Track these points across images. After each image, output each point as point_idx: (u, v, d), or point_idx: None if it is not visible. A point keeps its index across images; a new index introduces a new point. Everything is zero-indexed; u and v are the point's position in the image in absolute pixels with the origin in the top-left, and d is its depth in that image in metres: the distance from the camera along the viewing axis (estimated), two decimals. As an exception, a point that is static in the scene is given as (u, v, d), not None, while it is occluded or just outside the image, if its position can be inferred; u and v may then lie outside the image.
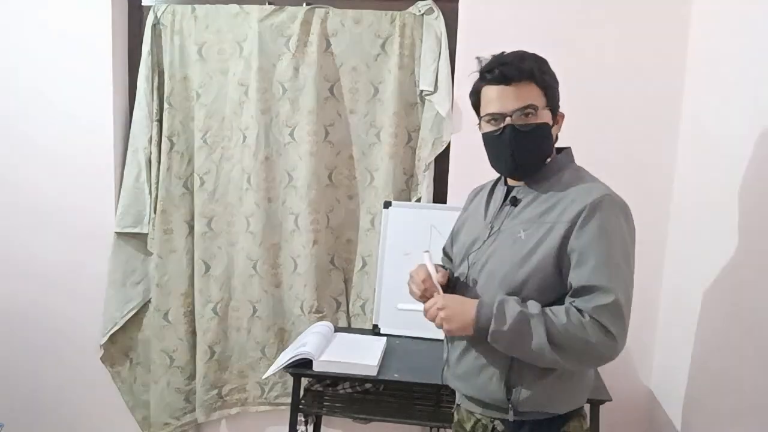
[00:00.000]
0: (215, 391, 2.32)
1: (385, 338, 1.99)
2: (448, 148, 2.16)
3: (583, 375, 1.31)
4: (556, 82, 1.31)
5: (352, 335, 2.04)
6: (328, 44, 2.19)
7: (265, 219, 2.23)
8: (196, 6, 2.24)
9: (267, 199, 2.24)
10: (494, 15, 2.08)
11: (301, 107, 2.20)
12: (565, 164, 1.32)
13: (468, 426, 1.36)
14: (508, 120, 1.24)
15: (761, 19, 1.55)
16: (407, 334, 2.07)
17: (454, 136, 2.14)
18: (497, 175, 1.41)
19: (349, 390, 1.95)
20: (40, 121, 2.32)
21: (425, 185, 2.19)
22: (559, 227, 1.21)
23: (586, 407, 1.40)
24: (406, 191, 2.24)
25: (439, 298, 1.28)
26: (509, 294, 1.22)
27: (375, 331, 2.10)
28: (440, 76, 2.12)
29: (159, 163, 2.27)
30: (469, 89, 1.35)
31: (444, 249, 1.59)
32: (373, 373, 1.76)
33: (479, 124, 1.31)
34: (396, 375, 1.77)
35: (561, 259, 1.21)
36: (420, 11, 2.16)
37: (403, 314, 2.05)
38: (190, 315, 2.33)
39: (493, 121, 1.27)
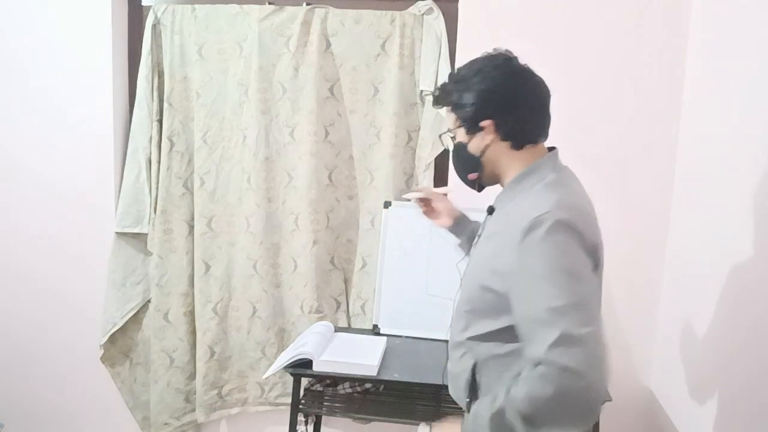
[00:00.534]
0: (215, 391, 2.32)
1: (385, 338, 2.00)
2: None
3: None
4: (479, 92, 1.19)
5: (352, 335, 2.04)
6: (328, 44, 2.19)
7: (265, 219, 2.23)
8: (196, 6, 2.24)
9: (267, 199, 2.24)
10: (494, 15, 2.09)
11: (301, 107, 2.20)
12: (534, 170, 1.19)
13: None
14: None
15: (761, 18, 1.55)
16: (407, 334, 2.07)
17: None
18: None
19: (349, 390, 1.95)
20: (39, 122, 2.32)
21: (425, 185, 2.19)
22: (498, 251, 1.12)
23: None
24: (406, 191, 2.24)
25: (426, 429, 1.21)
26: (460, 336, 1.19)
27: (375, 331, 2.10)
28: (440, 76, 2.12)
29: (159, 163, 2.27)
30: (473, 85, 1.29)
31: None
32: (373, 373, 1.76)
33: None
34: (396, 375, 1.77)
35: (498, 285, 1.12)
36: (420, 11, 2.16)
37: (404, 314, 2.07)
38: (190, 315, 2.33)
39: None
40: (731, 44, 1.72)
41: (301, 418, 1.89)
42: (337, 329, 2.11)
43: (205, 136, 2.26)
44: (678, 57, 2.02)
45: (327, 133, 2.23)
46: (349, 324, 2.31)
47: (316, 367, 1.77)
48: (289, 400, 1.93)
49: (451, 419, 1.21)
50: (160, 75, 2.27)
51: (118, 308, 2.33)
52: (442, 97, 1.26)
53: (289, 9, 2.18)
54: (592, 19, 2.05)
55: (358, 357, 1.80)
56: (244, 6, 2.21)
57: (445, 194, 1.64)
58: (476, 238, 1.33)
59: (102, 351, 2.35)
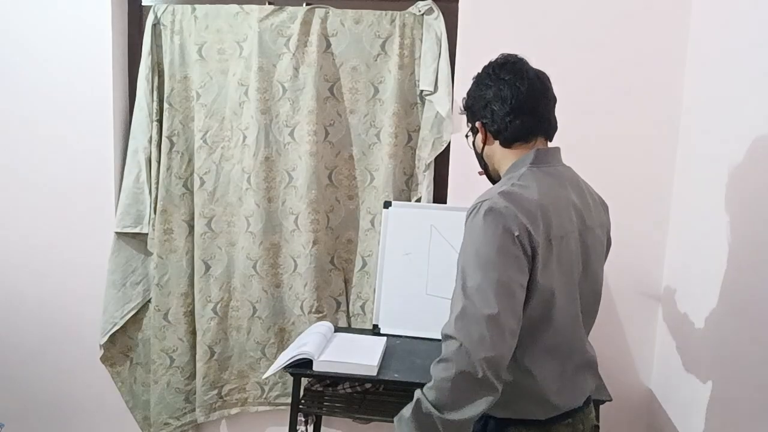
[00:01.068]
0: (215, 391, 2.32)
1: (385, 338, 1.99)
2: (448, 148, 2.17)
3: (518, 384, 1.21)
4: (471, 97, 1.34)
5: (352, 335, 2.04)
6: (328, 44, 2.19)
7: (265, 219, 2.23)
8: (196, 6, 2.24)
9: (267, 199, 2.24)
10: (494, 15, 2.09)
11: (301, 107, 2.20)
12: (515, 166, 1.28)
13: None
14: None
15: (761, 17, 1.55)
16: (407, 334, 2.07)
17: (454, 136, 2.15)
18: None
19: (349, 390, 1.95)
20: (40, 121, 2.32)
21: (425, 185, 2.19)
22: None
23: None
24: (406, 191, 2.24)
25: None
26: None
27: (375, 331, 2.10)
28: (440, 76, 2.12)
29: (159, 163, 2.27)
30: (469, 89, 1.39)
31: None
32: (373, 373, 1.76)
33: None
34: (396, 375, 1.77)
35: None
36: (420, 11, 2.16)
37: (404, 314, 2.07)
38: (190, 315, 2.33)
39: None
40: (731, 44, 1.72)
41: (301, 418, 1.89)
42: (337, 329, 2.11)
43: (205, 136, 2.26)
44: (678, 57, 2.02)
45: (327, 133, 2.23)
46: (349, 324, 2.31)
47: (316, 367, 1.77)
48: (289, 400, 1.93)
49: None
50: (160, 75, 2.27)
51: (118, 308, 2.33)
52: (462, 104, 1.40)
53: (289, 9, 2.18)
54: (592, 18, 2.05)
55: (358, 357, 1.80)
56: (244, 6, 2.21)
57: None
58: None
59: (102, 351, 2.35)
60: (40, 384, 2.46)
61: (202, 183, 2.27)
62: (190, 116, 2.28)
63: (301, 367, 1.79)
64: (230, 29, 2.22)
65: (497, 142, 1.31)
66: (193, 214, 2.30)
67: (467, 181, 2.11)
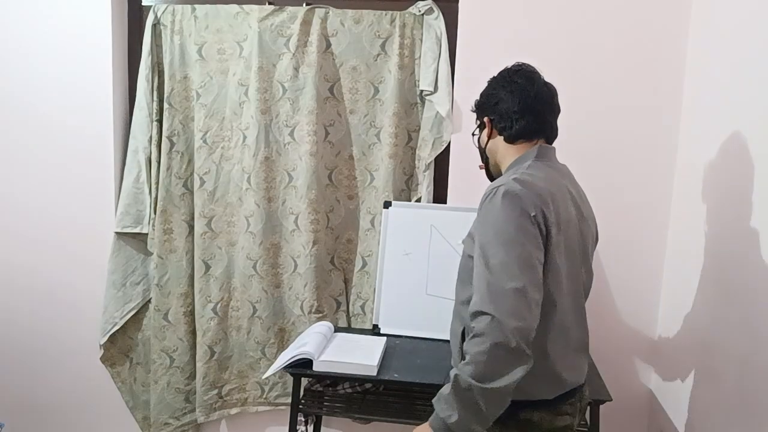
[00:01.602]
0: (215, 391, 2.32)
1: (385, 338, 1.99)
2: (448, 148, 2.17)
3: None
4: (483, 95, 1.46)
5: (352, 335, 2.04)
6: (328, 44, 2.19)
7: (265, 219, 2.23)
8: (196, 6, 2.24)
9: (267, 199, 2.24)
10: (494, 15, 2.09)
11: (301, 107, 2.20)
12: (518, 161, 1.38)
13: None
14: None
15: (762, 17, 1.55)
16: (407, 334, 2.07)
17: (454, 136, 2.15)
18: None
19: (349, 390, 1.95)
20: (39, 122, 2.32)
21: (425, 185, 2.19)
22: (474, 221, 1.31)
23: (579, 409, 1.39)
24: (406, 191, 2.24)
25: None
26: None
27: (375, 331, 2.10)
28: (440, 76, 2.12)
29: (159, 163, 2.27)
30: (469, 89, 1.51)
31: None
32: (373, 373, 1.75)
33: None
34: (396, 375, 1.77)
35: None
36: (420, 11, 2.16)
37: (404, 314, 2.07)
38: (190, 315, 2.33)
39: None
40: (731, 44, 1.72)
41: (301, 418, 1.89)
42: (337, 329, 2.11)
43: (205, 136, 2.26)
44: (678, 56, 2.02)
45: (327, 133, 2.23)
46: (349, 324, 2.31)
47: (316, 367, 1.77)
48: (289, 400, 1.93)
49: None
50: (160, 75, 2.27)
51: (118, 308, 2.33)
52: (475, 103, 1.51)
53: (289, 9, 2.18)
54: (592, 18, 2.05)
55: (358, 357, 1.80)
56: (244, 6, 2.21)
57: None
58: None
59: (102, 351, 2.35)
60: (40, 384, 2.46)
61: (202, 183, 2.27)
62: (190, 116, 2.28)
63: (301, 367, 1.79)
64: (230, 29, 2.22)
65: (501, 138, 1.41)
66: (193, 214, 2.30)
67: (467, 181, 2.11)
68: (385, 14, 2.17)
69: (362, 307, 2.28)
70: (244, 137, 2.23)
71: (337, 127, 2.24)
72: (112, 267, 2.31)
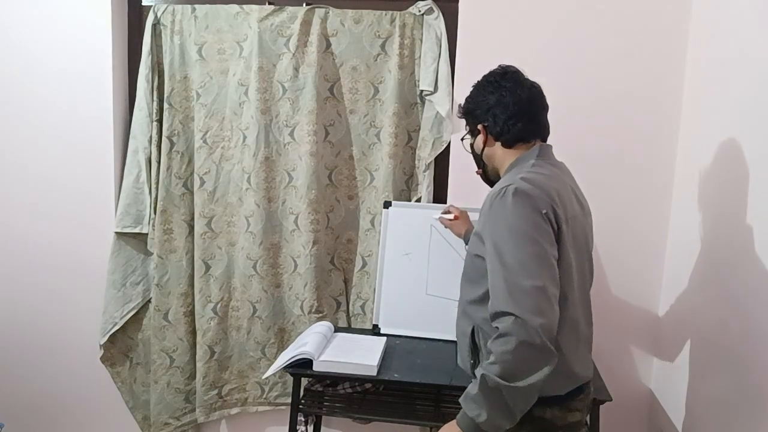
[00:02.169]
0: (215, 391, 2.32)
1: (385, 338, 1.99)
2: (448, 148, 2.17)
3: None
4: (474, 102, 1.45)
5: (352, 335, 2.04)
6: (328, 44, 2.19)
7: (265, 219, 2.23)
8: (196, 6, 2.24)
9: (267, 199, 2.24)
10: (494, 15, 2.09)
11: (301, 107, 2.20)
12: (519, 161, 1.39)
13: None
14: None
15: (762, 16, 1.55)
16: (407, 334, 2.07)
17: (454, 136, 2.15)
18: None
19: (349, 390, 1.95)
20: (39, 122, 2.32)
21: (425, 185, 2.19)
22: (480, 221, 1.33)
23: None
24: (406, 191, 2.24)
25: None
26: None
27: (375, 331, 2.10)
28: (440, 76, 2.12)
29: (159, 163, 2.27)
30: (469, 89, 1.48)
31: None
32: (373, 373, 1.76)
33: None
34: (396, 375, 1.77)
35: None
36: (420, 11, 2.16)
37: (404, 314, 2.07)
38: (190, 315, 2.33)
39: None
40: (731, 43, 1.72)
41: (301, 418, 1.89)
42: (337, 329, 2.11)
43: (205, 136, 2.26)
44: (678, 56, 2.02)
45: (327, 133, 2.23)
46: (349, 324, 2.31)
47: (316, 367, 1.77)
48: (289, 400, 1.93)
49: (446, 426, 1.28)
50: (160, 75, 2.27)
51: (118, 308, 2.32)
52: (460, 108, 1.52)
53: (289, 9, 2.18)
54: (593, 18, 2.05)
55: (358, 357, 1.80)
56: (244, 6, 2.21)
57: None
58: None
59: (102, 351, 2.35)
60: (40, 384, 2.46)
61: (202, 183, 2.27)
62: (190, 116, 2.28)
63: (301, 367, 1.79)
64: (230, 29, 2.22)
65: (498, 144, 1.42)
66: (193, 214, 2.30)
67: (467, 181, 2.11)
68: (385, 14, 2.17)
69: (362, 307, 2.28)
70: (244, 137, 2.23)
71: (337, 127, 2.24)
72: (112, 267, 2.31)
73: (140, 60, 2.25)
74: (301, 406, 1.87)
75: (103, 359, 2.36)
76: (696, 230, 1.86)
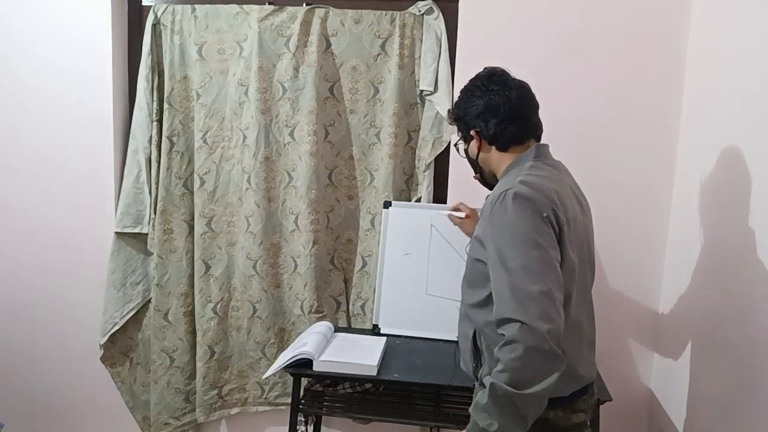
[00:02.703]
0: (215, 391, 2.32)
1: (385, 338, 1.99)
2: (448, 148, 2.17)
3: None
4: (464, 108, 1.43)
5: (352, 335, 2.04)
6: (328, 44, 2.19)
7: (265, 219, 2.23)
8: (196, 6, 2.24)
9: (267, 199, 2.24)
10: (494, 15, 2.09)
11: (301, 107, 2.20)
12: (516, 163, 1.38)
13: None
14: None
15: (762, 16, 1.55)
16: (407, 334, 2.07)
17: (454, 135, 2.14)
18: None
19: (349, 390, 1.95)
20: (39, 122, 2.32)
21: (425, 185, 2.19)
22: (480, 225, 1.32)
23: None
24: (406, 191, 2.24)
25: None
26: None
27: (375, 331, 2.10)
28: (440, 76, 2.12)
29: (159, 163, 2.27)
30: (457, 101, 1.48)
31: None
32: (373, 373, 1.76)
33: None
34: (396, 375, 1.77)
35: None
36: (420, 11, 2.16)
37: (404, 314, 2.07)
38: (190, 315, 2.33)
39: None
40: (731, 44, 1.72)
41: (301, 418, 1.89)
42: (337, 329, 2.11)
43: (205, 136, 2.26)
44: (678, 56, 2.02)
45: (327, 133, 2.23)
46: (349, 324, 2.31)
47: (316, 367, 1.77)
48: (289, 400, 1.93)
49: None
50: (160, 75, 2.27)
51: (118, 308, 2.32)
52: (449, 115, 1.52)
53: (289, 9, 2.18)
54: (593, 18, 2.05)
55: (358, 357, 1.80)
56: (244, 6, 2.21)
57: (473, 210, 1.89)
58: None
59: (102, 351, 2.35)
60: (40, 384, 2.46)
61: (202, 183, 2.27)
62: (190, 116, 2.28)
63: (301, 367, 1.79)
64: (230, 29, 2.22)
65: (493, 148, 1.41)
66: (193, 214, 2.30)
67: (467, 181, 2.10)
68: (385, 14, 2.17)
69: (362, 307, 2.28)
70: (244, 137, 2.23)
71: (337, 127, 2.24)
72: (112, 267, 2.31)
73: (140, 60, 2.25)
74: (301, 406, 1.87)
75: (103, 359, 2.36)
76: (696, 230, 1.85)
